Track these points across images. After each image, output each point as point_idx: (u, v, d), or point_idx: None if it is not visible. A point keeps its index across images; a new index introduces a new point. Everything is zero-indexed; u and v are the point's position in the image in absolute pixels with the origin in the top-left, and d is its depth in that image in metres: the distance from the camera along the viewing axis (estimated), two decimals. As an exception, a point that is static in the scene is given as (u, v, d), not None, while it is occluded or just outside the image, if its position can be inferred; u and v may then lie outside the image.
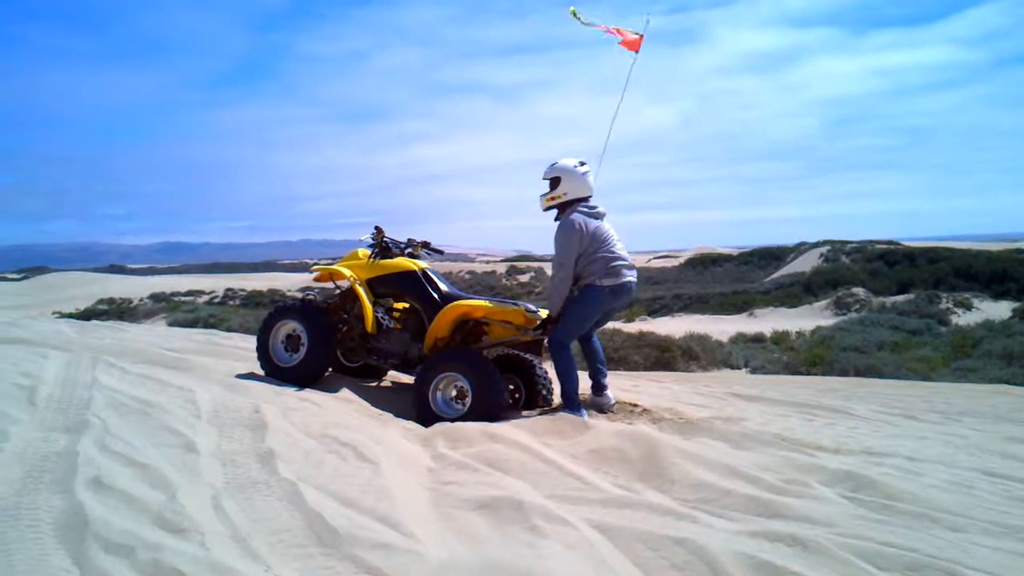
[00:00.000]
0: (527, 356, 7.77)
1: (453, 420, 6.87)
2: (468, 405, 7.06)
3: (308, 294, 8.96)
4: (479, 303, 7.45)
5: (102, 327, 12.96)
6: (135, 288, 69.36)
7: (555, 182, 7.41)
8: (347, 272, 7.78)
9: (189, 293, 63.85)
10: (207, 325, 24.46)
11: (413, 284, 7.79)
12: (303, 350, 7.64)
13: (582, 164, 7.48)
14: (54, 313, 42.75)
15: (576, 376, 7.31)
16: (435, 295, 7.71)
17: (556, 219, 7.46)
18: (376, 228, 8.05)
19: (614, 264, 7.24)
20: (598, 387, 7.67)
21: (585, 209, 7.35)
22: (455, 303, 7.46)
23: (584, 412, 7.17)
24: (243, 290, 64.06)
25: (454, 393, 7.23)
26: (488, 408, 6.97)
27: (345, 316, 7.91)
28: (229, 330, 18.07)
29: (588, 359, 7.69)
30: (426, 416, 7.10)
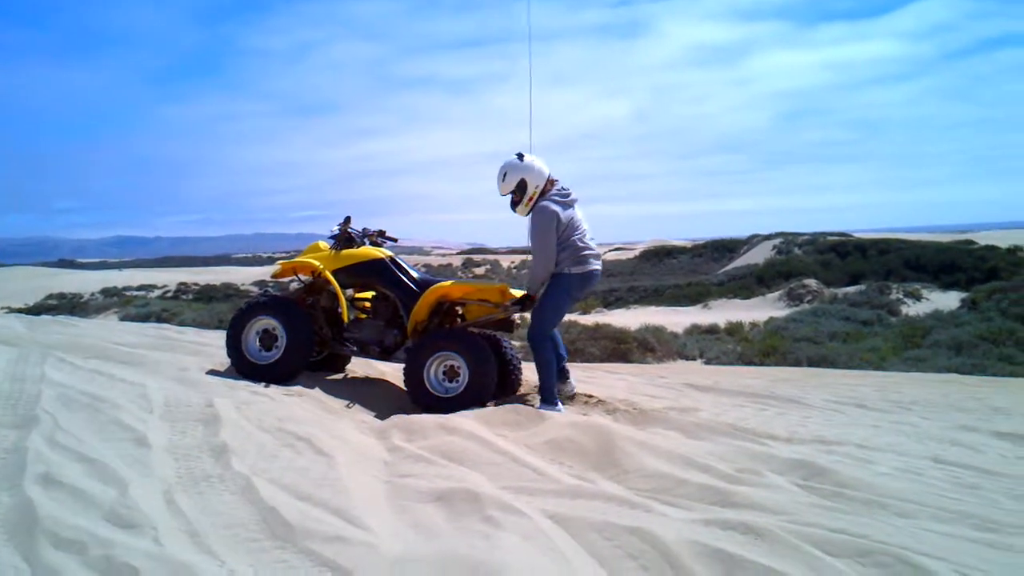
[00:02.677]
0: (499, 337, 7.82)
1: (449, 399, 7.05)
2: (464, 384, 7.15)
3: (266, 290, 8.91)
4: (456, 284, 7.62)
5: (52, 322, 12.78)
6: (86, 283, 68.45)
7: (522, 185, 7.35)
8: (317, 264, 7.74)
9: (141, 288, 63.12)
10: (160, 320, 24.22)
11: (383, 271, 7.80)
12: (281, 347, 7.59)
13: (520, 156, 7.44)
14: (2, 308, 42.05)
15: (554, 370, 7.38)
16: (407, 281, 7.74)
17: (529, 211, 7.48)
18: (346, 218, 8.05)
19: (583, 253, 7.31)
20: (561, 373, 7.72)
21: (558, 197, 7.37)
22: (435, 286, 7.55)
23: (561, 406, 7.26)
24: (196, 284, 63.43)
25: (445, 373, 7.29)
26: (483, 387, 7.10)
27: (311, 310, 7.88)
28: (182, 325, 17.89)
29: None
30: (421, 397, 7.22)
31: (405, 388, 7.38)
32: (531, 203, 7.39)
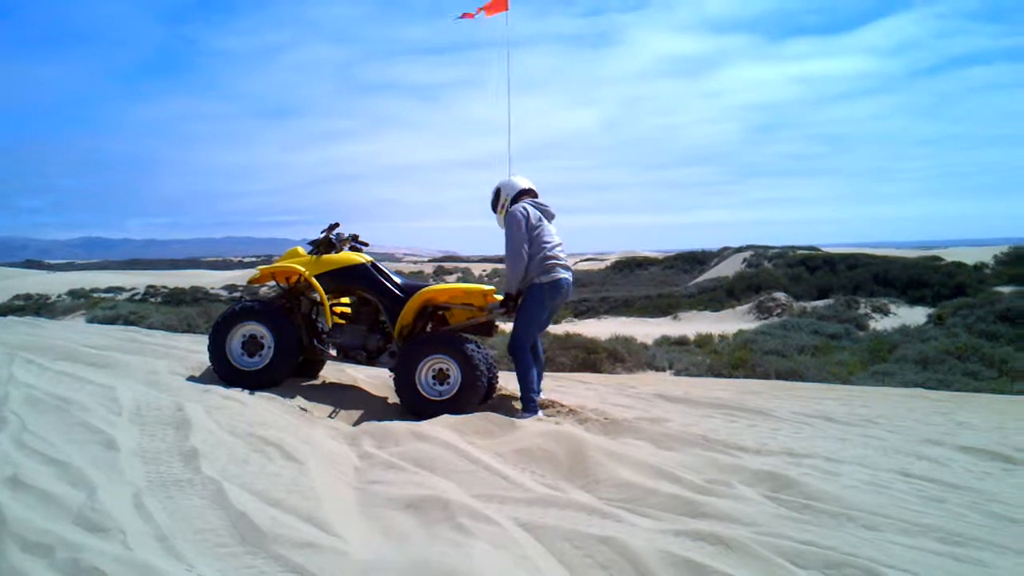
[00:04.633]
0: (479, 343, 7.85)
1: (442, 402, 7.17)
2: (456, 387, 7.25)
3: (242, 295, 8.87)
4: (442, 287, 7.74)
5: (19, 323, 12.66)
6: (53, 284, 67.71)
7: (496, 194, 7.87)
8: (301, 269, 7.72)
9: (109, 290, 62.47)
10: (127, 322, 23.96)
11: (365, 276, 7.83)
12: (268, 353, 7.58)
13: (513, 176, 7.96)
14: (-33, 308, 41.55)
15: (534, 378, 7.50)
16: (390, 285, 7.76)
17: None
18: (332, 224, 8.07)
19: (548, 263, 7.49)
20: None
21: (530, 204, 7.70)
22: (423, 290, 7.64)
23: (540, 412, 7.39)
24: (165, 287, 62.87)
25: (435, 376, 7.36)
26: (475, 389, 7.22)
27: (291, 315, 7.84)
28: (150, 327, 17.73)
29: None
30: (414, 402, 7.30)
31: (396, 393, 7.42)
32: (503, 211, 7.74)
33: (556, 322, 34.95)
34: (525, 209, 7.56)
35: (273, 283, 7.99)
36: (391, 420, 6.74)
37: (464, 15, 9.40)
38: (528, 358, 7.48)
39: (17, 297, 55.88)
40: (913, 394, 11.66)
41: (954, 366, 16.62)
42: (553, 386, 9.61)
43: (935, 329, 23.07)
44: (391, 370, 7.60)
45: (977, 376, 15.90)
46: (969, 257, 53.32)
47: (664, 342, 23.17)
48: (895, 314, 34.96)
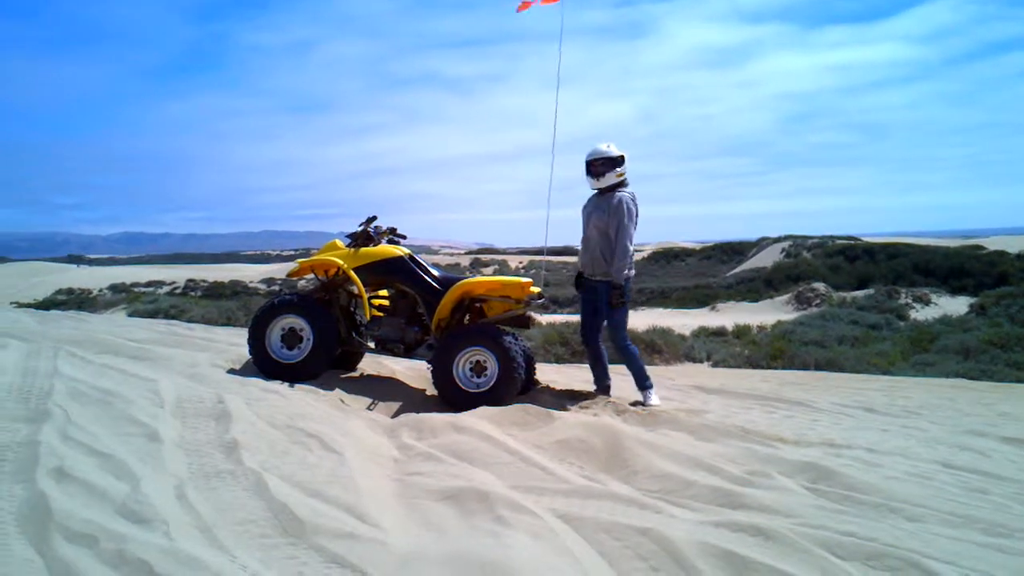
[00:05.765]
0: (517, 335, 7.85)
1: (479, 395, 7.20)
2: (494, 379, 7.28)
3: (281, 288, 8.92)
4: (480, 280, 7.77)
5: (62, 317, 12.83)
6: (94, 278, 68.54)
7: (619, 161, 7.75)
8: (340, 262, 7.75)
9: (149, 284, 63.14)
10: (168, 316, 24.18)
11: (403, 269, 7.84)
12: (307, 346, 7.62)
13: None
14: (12, 303, 42.11)
15: (639, 358, 7.79)
16: (428, 278, 7.78)
17: (598, 190, 7.84)
18: (370, 217, 8.09)
19: (634, 260, 7.81)
20: (605, 391, 8.04)
21: (632, 197, 7.77)
22: (460, 282, 7.66)
23: (653, 391, 7.73)
24: (204, 281, 63.50)
25: (472, 369, 7.40)
26: (513, 381, 7.24)
27: (329, 308, 7.88)
28: (190, 321, 17.90)
29: (599, 366, 8.11)
30: (452, 394, 7.34)
31: (434, 385, 7.46)
32: (619, 178, 7.75)
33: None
34: (634, 204, 7.70)
35: (312, 276, 8.04)
36: (429, 412, 6.76)
37: (522, 6, 9.40)
38: (632, 349, 7.76)
39: (60, 292, 56.64)
40: (955, 385, 11.54)
41: (997, 356, 16.41)
42: (592, 378, 9.60)
43: (977, 319, 22.79)
44: (429, 362, 7.61)
45: (1020, 366, 15.69)
46: (1011, 246, 52.66)
47: (702, 333, 23.04)
48: (936, 304, 34.61)
